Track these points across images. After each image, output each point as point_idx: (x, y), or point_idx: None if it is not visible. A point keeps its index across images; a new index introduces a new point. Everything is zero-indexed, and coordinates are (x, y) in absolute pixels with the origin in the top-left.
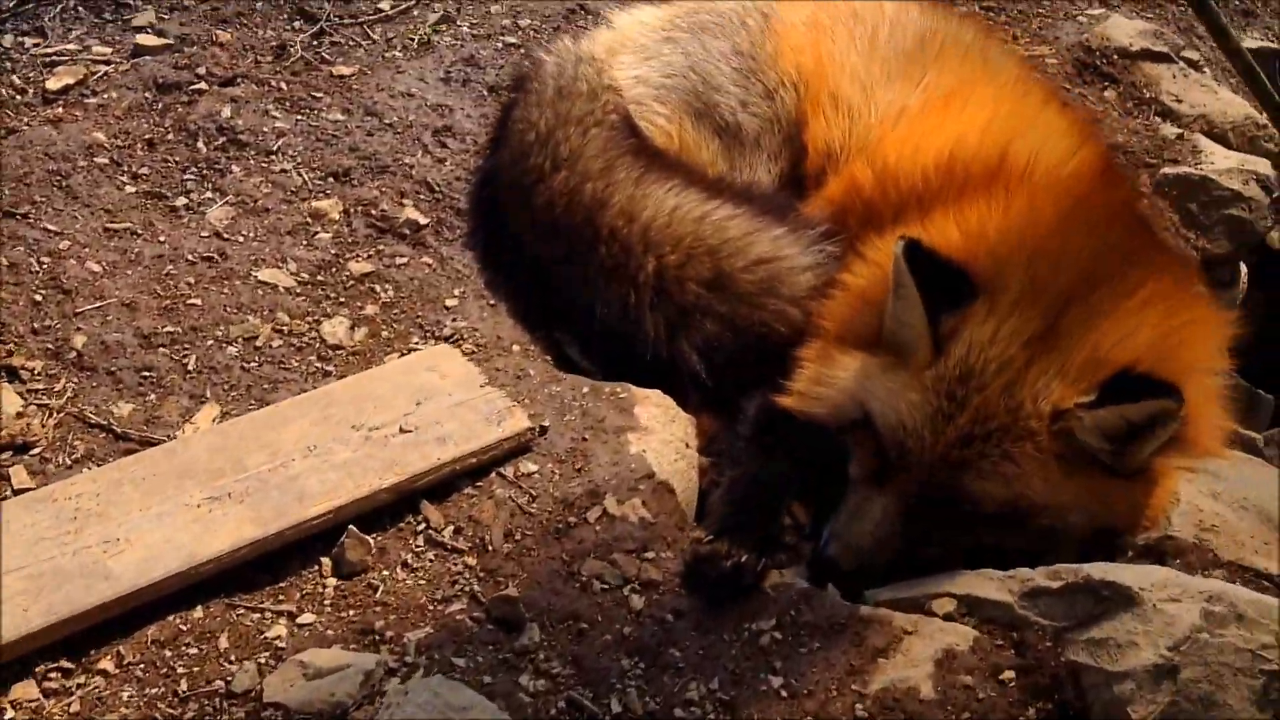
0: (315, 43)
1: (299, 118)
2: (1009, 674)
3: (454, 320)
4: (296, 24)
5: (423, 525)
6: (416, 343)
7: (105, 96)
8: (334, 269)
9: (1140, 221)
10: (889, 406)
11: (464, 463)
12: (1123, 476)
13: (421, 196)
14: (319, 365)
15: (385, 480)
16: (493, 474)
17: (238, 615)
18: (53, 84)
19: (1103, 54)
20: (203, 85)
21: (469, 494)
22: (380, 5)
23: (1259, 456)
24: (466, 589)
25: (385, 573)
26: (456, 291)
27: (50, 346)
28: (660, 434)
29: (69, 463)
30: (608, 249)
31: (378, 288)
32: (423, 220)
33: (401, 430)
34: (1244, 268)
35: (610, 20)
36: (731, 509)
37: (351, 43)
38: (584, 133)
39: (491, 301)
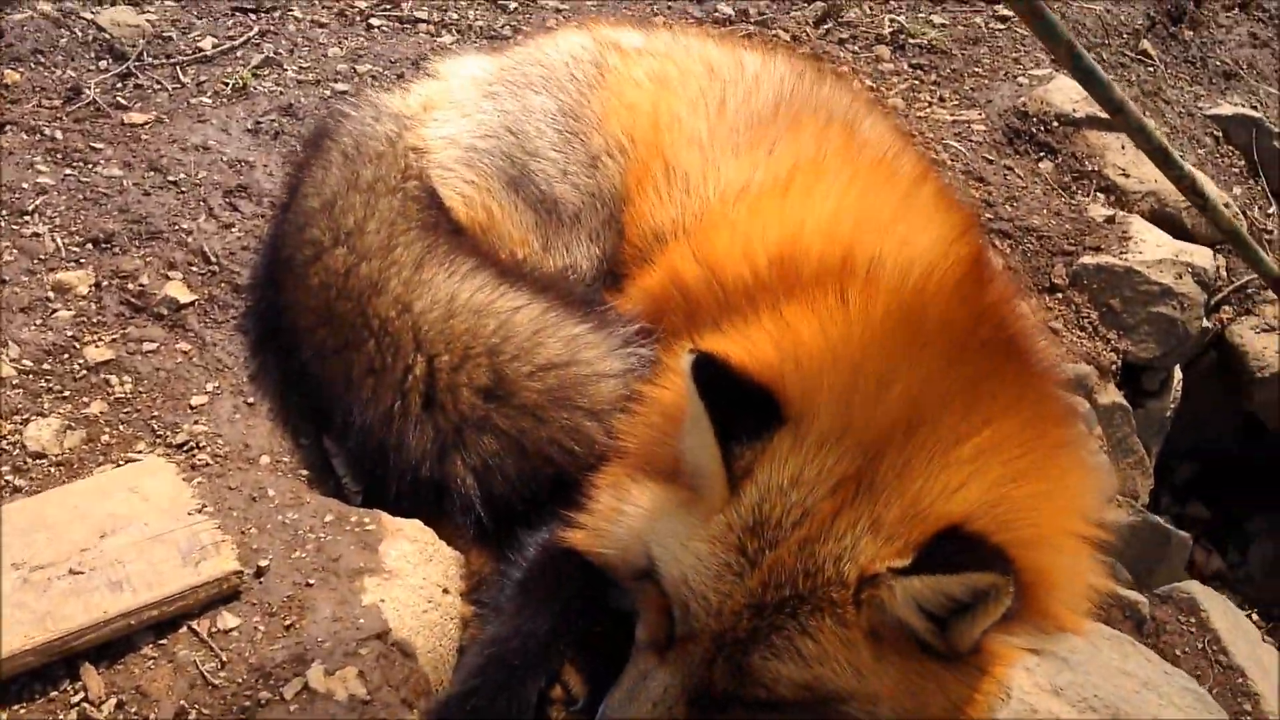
0: (118, 85)
1: (69, 172)
2: None
3: (195, 423)
4: (103, 63)
5: (79, 696)
6: (141, 450)
7: None
8: (66, 356)
9: (1003, 343)
10: (674, 556)
11: (142, 616)
12: (948, 660)
13: (194, 269)
14: (8, 479)
15: (34, 638)
16: (183, 628)
17: None
18: None
19: (1040, 120)
20: None
21: (147, 655)
22: (201, 44)
23: (1139, 627)
24: None
25: None
26: (210, 386)
27: None
28: (409, 578)
29: None
30: (376, 344)
31: (114, 379)
32: (187, 298)
33: (71, 571)
34: (1178, 374)
35: (436, 72)
36: (477, 677)
37: (157, 85)
38: (371, 202)
39: (250, 400)
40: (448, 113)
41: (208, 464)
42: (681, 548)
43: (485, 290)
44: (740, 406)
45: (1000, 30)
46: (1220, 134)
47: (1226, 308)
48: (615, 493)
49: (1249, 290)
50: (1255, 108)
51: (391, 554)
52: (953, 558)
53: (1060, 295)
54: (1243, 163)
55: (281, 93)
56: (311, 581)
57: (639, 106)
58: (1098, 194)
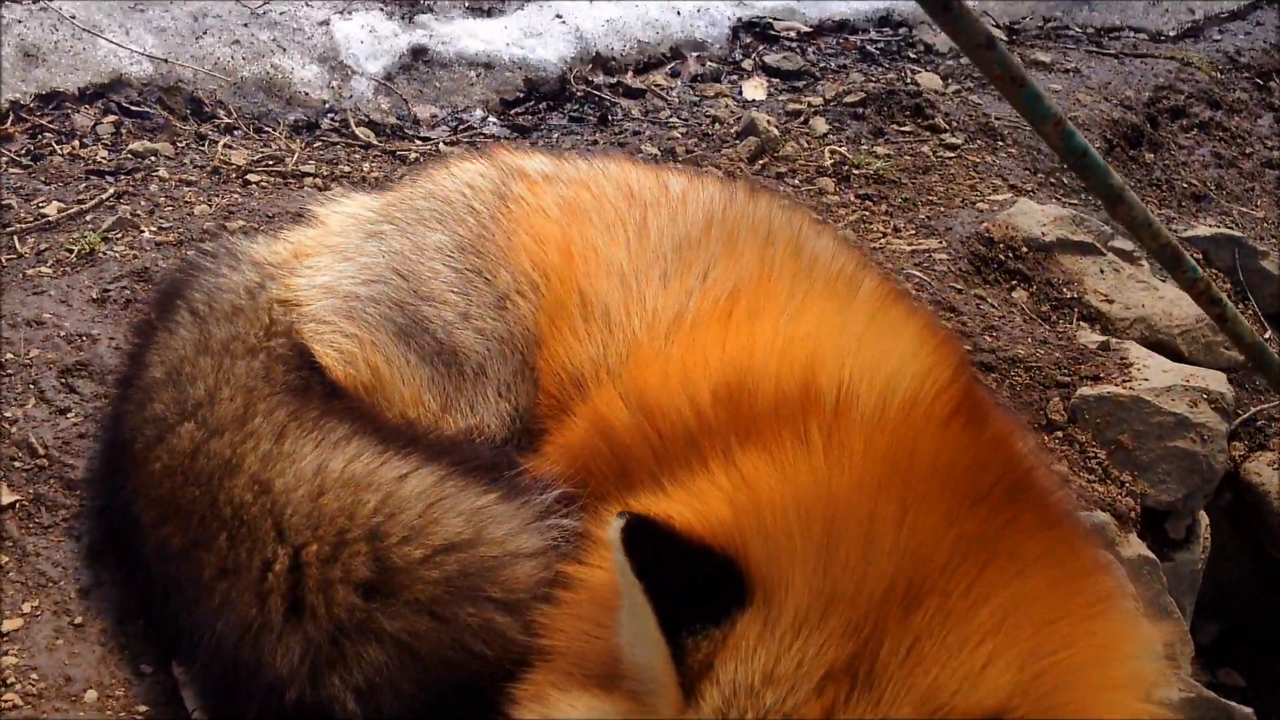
0: None
1: None
2: None
3: (4, 654)
4: None
5: None
6: None
7: None
8: None
9: (1012, 487)
10: None
11: None
12: None
13: (17, 464)
14: None
15: None
16: None
17: None
18: None
19: (1008, 246)
20: None
21: None
22: (45, 210)
23: None
24: None
25: None
26: (27, 606)
27: None
28: None
29: None
30: (229, 537)
31: None
32: (7, 499)
33: None
34: (1204, 519)
35: (315, 216)
36: None
37: None
38: (225, 365)
39: (78, 620)
40: (323, 259)
41: (15, 706)
42: None
43: (365, 459)
44: (690, 584)
45: (950, 158)
46: (1201, 255)
47: (1237, 443)
48: (539, 709)
49: (1258, 422)
50: (1232, 227)
51: None
52: None
53: (1061, 433)
54: (1228, 285)
55: (135, 257)
56: None
57: (549, 237)
58: (1081, 323)
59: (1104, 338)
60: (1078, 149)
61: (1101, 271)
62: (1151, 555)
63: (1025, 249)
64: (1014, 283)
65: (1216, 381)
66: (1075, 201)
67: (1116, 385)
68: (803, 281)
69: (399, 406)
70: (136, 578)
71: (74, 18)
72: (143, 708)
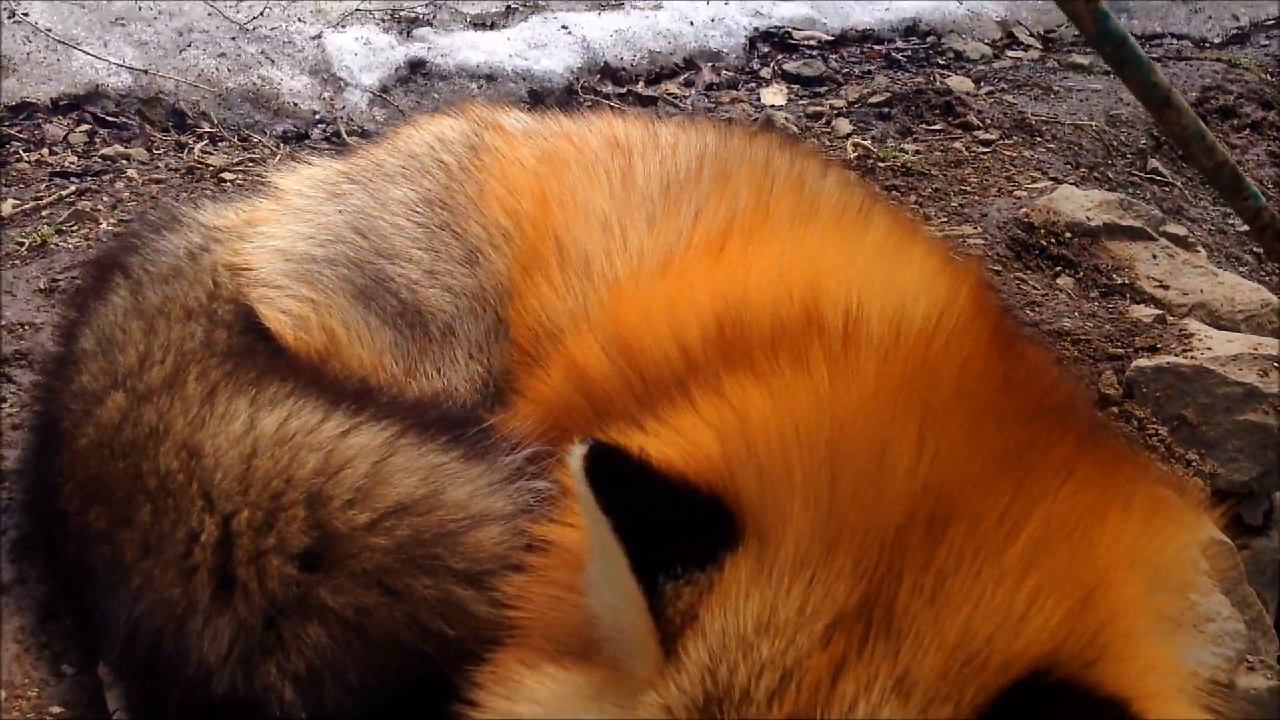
0: None
1: None
2: None
3: None
4: None
5: None
6: None
7: None
8: None
9: (1049, 410)
10: None
11: None
12: None
13: None
14: None
15: None
16: None
17: None
18: None
19: (1049, 232)
20: None
21: None
22: None
23: None
24: None
25: None
26: None
27: None
28: None
29: None
30: (153, 509)
31: None
32: None
33: None
34: None
35: (274, 185)
36: None
37: None
38: (158, 328)
39: None
40: (278, 222)
41: None
42: None
43: (305, 415)
44: (668, 523)
45: (984, 153)
46: (1261, 250)
47: None
48: (505, 692)
49: None
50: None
51: None
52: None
53: (1116, 409)
54: None
55: (90, 247)
56: None
57: (524, 186)
58: (1134, 304)
59: (1159, 311)
60: (1114, 36)
61: (1154, 257)
62: (1226, 539)
63: (1069, 234)
64: (1058, 268)
65: None
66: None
67: (1176, 355)
68: (805, 213)
69: (358, 373)
70: (61, 572)
71: (49, 30)
72: (57, 709)
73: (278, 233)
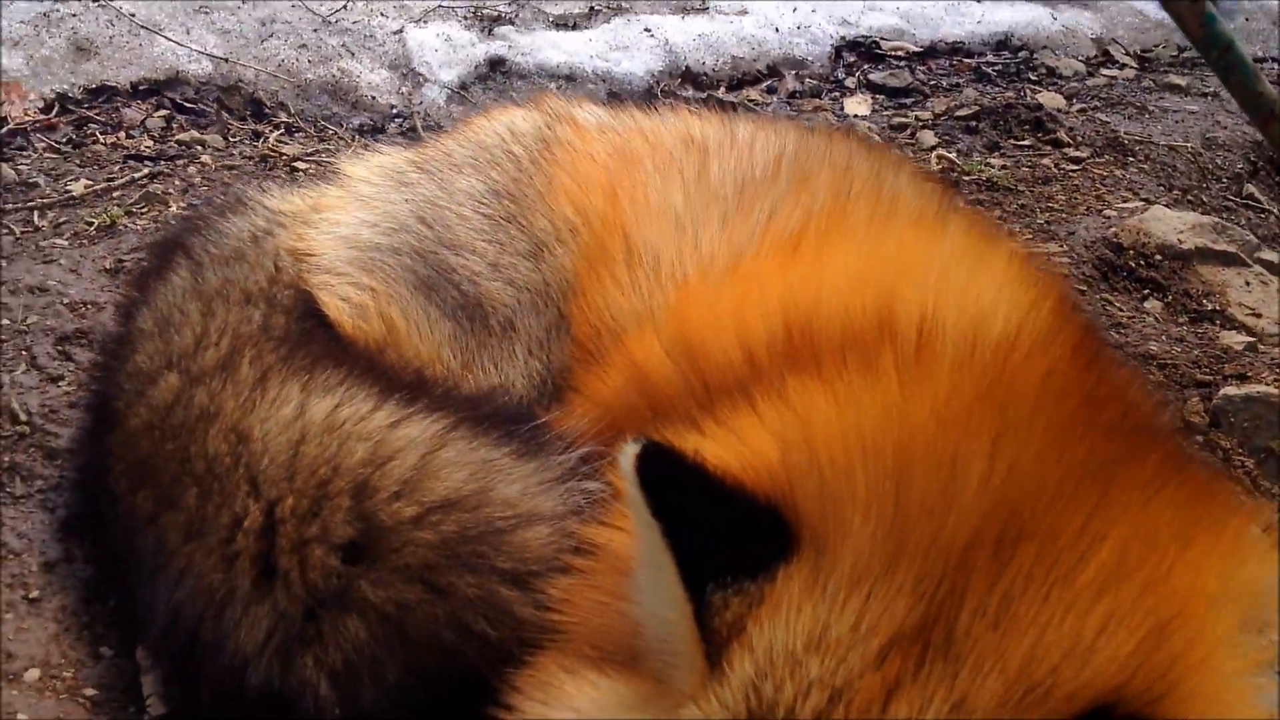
0: None
1: None
2: None
3: None
4: None
5: None
6: None
7: None
8: None
9: (1133, 429)
10: None
11: None
12: None
13: None
14: None
15: None
16: None
17: None
18: None
19: (1139, 253)
20: None
21: None
22: (70, 187)
23: None
24: None
25: None
26: None
27: None
28: None
29: None
30: (199, 494)
31: None
32: None
33: None
34: None
35: (341, 172)
36: None
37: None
38: (215, 310)
39: (35, 595)
40: (344, 209)
41: None
42: None
43: (356, 404)
44: (721, 530)
45: (1073, 171)
46: None
47: None
48: (543, 696)
49: None
50: None
51: None
52: None
53: (1202, 438)
54: None
55: (158, 229)
56: None
57: (594, 180)
58: (1224, 331)
59: (1251, 339)
60: (1221, 40)
61: (1247, 284)
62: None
63: (1159, 256)
64: (1146, 291)
65: None
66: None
67: (1267, 385)
68: (883, 215)
69: (414, 364)
70: (107, 553)
71: (133, 15)
72: (91, 691)
73: (343, 219)
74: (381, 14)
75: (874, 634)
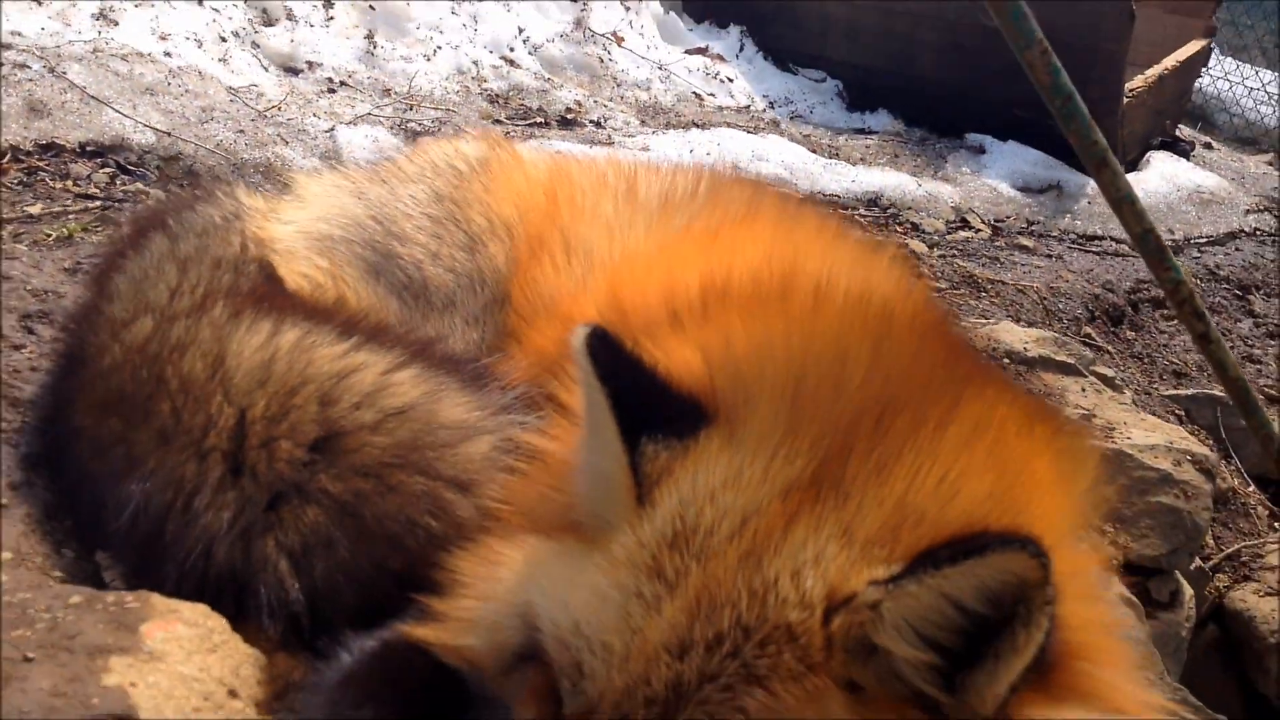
0: None
1: None
2: None
3: None
4: None
5: None
6: None
7: None
8: None
9: (989, 366)
10: (560, 601)
11: None
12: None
13: None
14: None
15: None
16: None
17: None
18: None
19: (989, 355)
20: None
21: None
22: (28, 209)
23: None
24: None
25: None
26: None
27: None
28: (179, 665)
29: None
30: (172, 406)
31: None
32: None
33: None
34: (1187, 590)
35: (298, 184)
36: None
37: None
38: (192, 270)
39: (4, 501)
40: (301, 208)
41: None
42: (570, 587)
43: (321, 335)
44: (653, 401)
45: (934, 294)
46: (1183, 413)
47: (1221, 575)
48: (485, 564)
49: (1242, 558)
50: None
51: (158, 635)
52: (961, 551)
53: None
54: (1211, 442)
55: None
56: (31, 656)
57: (534, 182)
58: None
59: (1089, 410)
60: (1064, 90)
61: (1083, 390)
62: (1133, 597)
63: (1007, 360)
64: None
65: (1201, 448)
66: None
67: (1099, 441)
68: (789, 219)
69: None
70: (68, 481)
71: (84, 88)
72: (59, 573)
73: (298, 217)
74: (315, 114)
75: (778, 479)
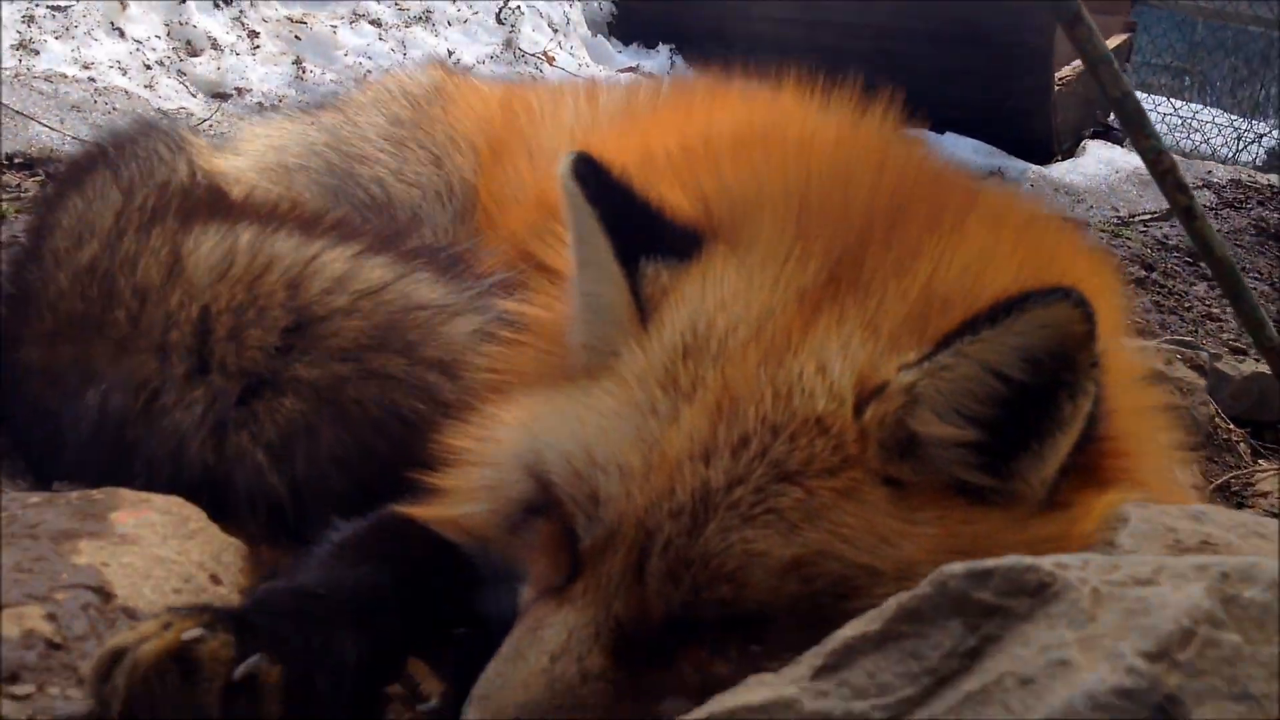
0: None
1: None
2: None
3: None
4: None
5: None
6: None
7: None
8: None
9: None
10: (567, 435)
11: None
12: (1008, 507)
13: None
14: None
15: None
16: None
17: None
18: None
19: None
20: None
21: None
22: None
23: None
24: None
25: None
26: None
27: None
28: (154, 548)
29: None
30: (127, 311)
31: None
32: None
33: None
34: None
35: (244, 125)
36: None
37: None
38: (137, 194)
39: None
40: (249, 140)
41: None
42: (578, 420)
43: (281, 232)
44: (649, 224)
45: None
46: None
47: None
48: (481, 433)
49: (1233, 488)
50: None
51: (129, 521)
52: (1002, 309)
53: None
54: None
55: None
56: None
57: (491, 99)
58: None
59: None
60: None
61: None
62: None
63: None
64: None
65: (1186, 350)
66: None
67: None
68: (767, 92)
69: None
70: (20, 421)
71: (10, 105)
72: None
73: (247, 149)
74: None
75: (791, 283)
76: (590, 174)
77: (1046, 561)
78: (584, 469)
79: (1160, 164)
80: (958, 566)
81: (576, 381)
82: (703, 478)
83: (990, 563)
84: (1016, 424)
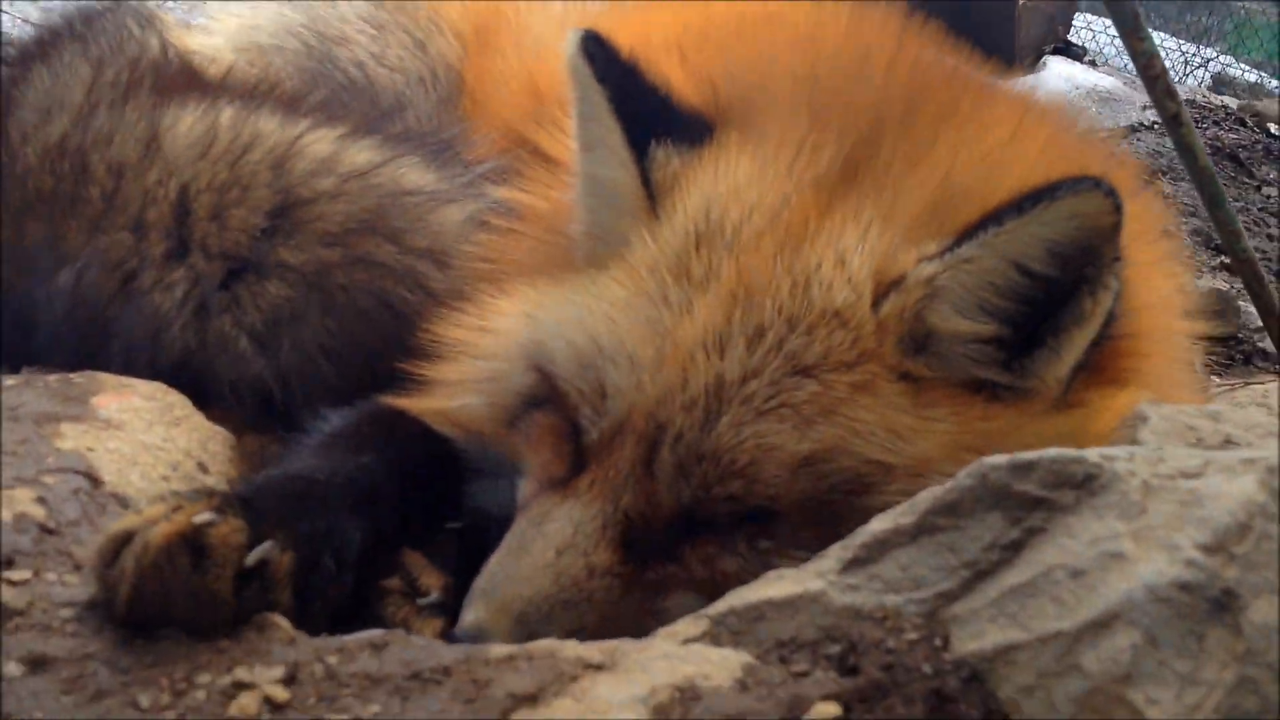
0: None
1: None
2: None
3: None
4: None
5: None
6: None
7: None
8: None
9: None
10: (573, 325)
11: None
12: (1023, 405)
13: None
14: None
15: None
16: None
17: None
18: None
19: None
20: None
21: None
22: None
23: None
24: None
25: None
26: None
27: None
28: (139, 434)
29: None
30: (101, 189)
31: None
32: None
33: None
34: None
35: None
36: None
37: None
38: (107, 68)
39: None
40: (220, 20)
41: None
42: (585, 310)
43: (263, 110)
44: (658, 107)
45: None
46: None
47: None
48: (477, 323)
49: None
50: None
51: (112, 406)
52: (1030, 199)
53: None
54: None
55: None
56: None
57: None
58: None
59: None
60: None
61: None
62: None
63: None
64: None
65: None
66: None
67: None
68: None
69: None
70: None
71: None
72: None
73: (220, 28)
74: None
75: (806, 171)
76: (599, 53)
77: (1093, 453)
78: (591, 360)
79: (1152, 69)
80: (1000, 459)
81: (580, 271)
82: (716, 370)
83: (1033, 455)
84: (1035, 319)
